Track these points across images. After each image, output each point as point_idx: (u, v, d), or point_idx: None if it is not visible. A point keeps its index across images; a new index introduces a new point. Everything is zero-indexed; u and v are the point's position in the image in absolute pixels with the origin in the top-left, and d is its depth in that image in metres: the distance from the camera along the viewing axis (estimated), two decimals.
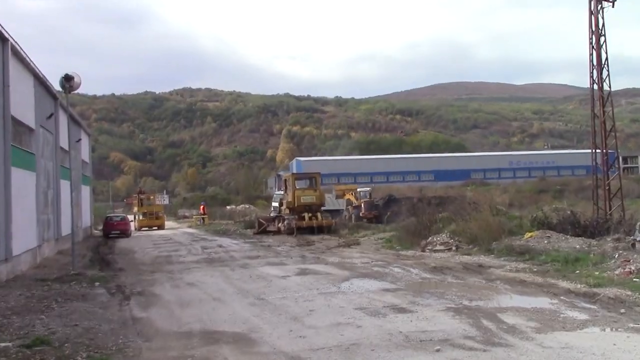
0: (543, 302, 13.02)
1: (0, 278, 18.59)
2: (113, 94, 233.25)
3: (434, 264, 20.17)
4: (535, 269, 17.42)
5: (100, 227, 53.36)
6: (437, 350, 9.31)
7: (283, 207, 40.74)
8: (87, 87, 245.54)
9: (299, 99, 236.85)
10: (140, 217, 61.26)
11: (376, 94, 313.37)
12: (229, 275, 19.70)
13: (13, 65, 21.72)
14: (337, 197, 53.82)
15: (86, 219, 48.59)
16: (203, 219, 65.20)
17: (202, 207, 69.39)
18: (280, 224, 39.57)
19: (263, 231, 40.77)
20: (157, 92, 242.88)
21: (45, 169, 29.16)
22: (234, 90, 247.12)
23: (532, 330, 10.43)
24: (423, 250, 24.07)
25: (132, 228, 53.25)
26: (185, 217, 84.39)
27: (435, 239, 24.81)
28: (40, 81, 27.75)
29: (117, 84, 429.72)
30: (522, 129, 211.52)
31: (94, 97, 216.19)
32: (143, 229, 58.62)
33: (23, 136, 25.02)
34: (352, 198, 51.03)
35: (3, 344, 9.83)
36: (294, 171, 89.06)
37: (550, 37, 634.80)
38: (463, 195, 47.65)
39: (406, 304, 13.13)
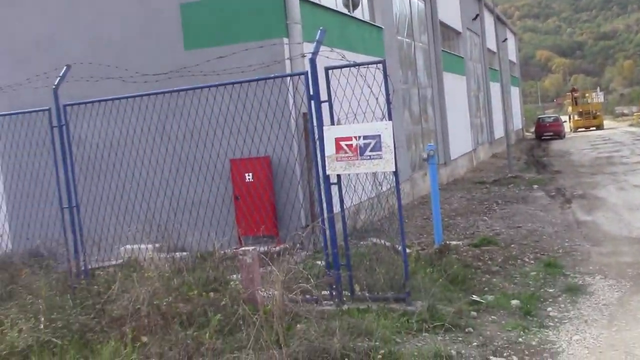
0: None
1: (441, 181, 19.67)
2: None
3: None
4: None
5: (532, 130, 53.27)
6: None
7: None
8: None
9: None
10: (575, 118, 59.16)
11: None
12: None
13: None
14: None
15: (517, 121, 48.91)
16: None
17: None
18: None
19: None
20: None
21: (474, 72, 29.77)
22: None
23: None
24: None
25: (566, 129, 51.67)
26: (623, 114, 79.76)
27: None
28: None
29: None
30: None
31: None
32: (579, 129, 56.45)
33: (451, 41, 25.79)
34: None
35: (454, 242, 10.44)
36: None
37: None
38: None
39: None
